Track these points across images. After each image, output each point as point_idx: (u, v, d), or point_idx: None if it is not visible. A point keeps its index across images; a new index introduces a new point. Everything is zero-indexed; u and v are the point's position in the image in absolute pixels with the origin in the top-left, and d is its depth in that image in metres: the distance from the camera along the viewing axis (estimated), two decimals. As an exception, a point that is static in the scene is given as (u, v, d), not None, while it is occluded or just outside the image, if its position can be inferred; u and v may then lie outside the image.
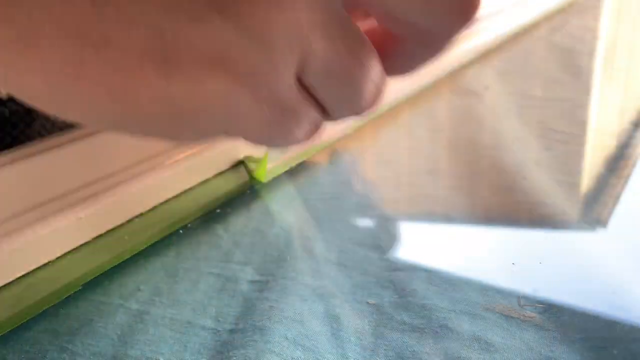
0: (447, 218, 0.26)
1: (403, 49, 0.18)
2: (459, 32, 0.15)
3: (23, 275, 0.21)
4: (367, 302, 0.20)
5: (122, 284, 0.21)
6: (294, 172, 0.31)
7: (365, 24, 0.17)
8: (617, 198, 0.27)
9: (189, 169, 0.28)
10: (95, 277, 0.21)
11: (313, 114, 0.16)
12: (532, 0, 0.86)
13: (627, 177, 0.30)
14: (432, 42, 0.16)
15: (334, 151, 0.34)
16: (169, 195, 0.27)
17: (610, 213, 0.26)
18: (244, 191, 0.29)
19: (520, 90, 0.46)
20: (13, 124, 0.37)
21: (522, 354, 0.17)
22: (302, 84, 0.15)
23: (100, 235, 0.24)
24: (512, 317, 0.19)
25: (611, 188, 0.28)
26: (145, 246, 0.23)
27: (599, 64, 0.56)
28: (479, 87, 0.47)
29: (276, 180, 0.30)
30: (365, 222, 0.26)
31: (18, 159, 0.24)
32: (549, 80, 0.50)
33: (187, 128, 0.14)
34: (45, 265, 0.22)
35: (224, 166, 0.31)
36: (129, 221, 0.25)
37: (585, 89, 0.47)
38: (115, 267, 0.22)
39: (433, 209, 0.27)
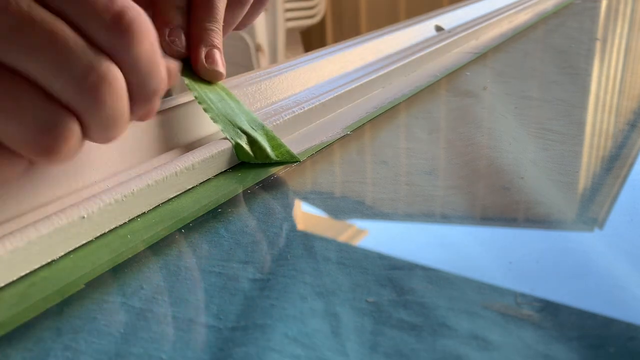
0: (445, 217, 0.26)
1: None
2: None
3: (26, 274, 0.21)
4: (366, 301, 0.20)
5: (124, 282, 0.21)
6: (293, 171, 0.31)
7: None
8: (613, 198, 0.27)
9: (190, 169, 0.28)
10: (98, 276, 0.21)
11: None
12: (529, 2, 0.87)
13: (624, 177, 0.30)
14: None
15: (332, 150, 0.34)
16: (171, 194, 0.28)
17: (606, 213, 0.26)
18: (245, 191, 0.29)
19: (517, 91, 0.47)
20: None
21: (519, 352, 0.17)
22: None
23: (103, 234, 0.24)
24: (509, 316, 0.19)
25: (608, 188, 0.28)
26: (147, 245, 0.24)
27: (596, 65, 0.56)
28: (477, 88, 0.47)
29: (276, 180, 0.30)
30: (363, 222, 0.26)
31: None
32: (546, 81, 0.50)
33: None
34: (48, 264, 0.22)
35: (225, 166, 0.31)
36: (131, 220, 0.25)
37: (582, 90, 0.47)
38: (117, 265, 0.22)
39: (431, 209, 0.27)
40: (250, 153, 0.31)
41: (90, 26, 0.20)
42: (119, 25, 0.21)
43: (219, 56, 0.31)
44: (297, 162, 0.32)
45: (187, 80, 0.31)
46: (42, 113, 0.20)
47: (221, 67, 0.31)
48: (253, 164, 0.32)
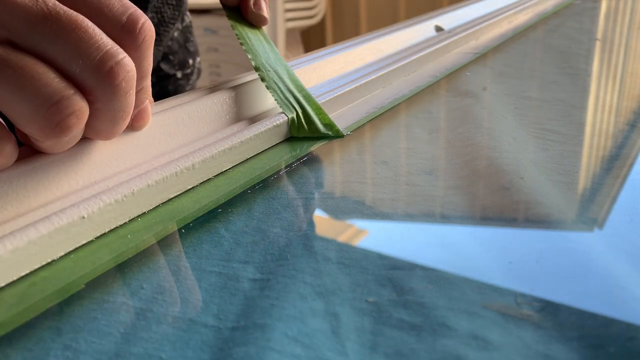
0: (445, 217, 0.26)
1: None
2: None
3: (26, 274, 0.21)
4: (366, 300, 0.20)
5: (124, 282, 0.21)
6: (293, 171, 0.31)
7: None
8: (613, 198, 0.27)
9: (190, 169, 0.28)
10: (98, 276, 0.21)
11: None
12: (529, 2, 0.87)
13: (624, 177, 0.30)
14: None
15: (333, 150, 0.34)
16: (171, 195, 0.28)
17: (606, 213, 0.26)
18: (245, 191, 0.29)
19: (517, 91, 0.47)
20: None
21: (519, 352, 0.17)
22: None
23: (103, 234, 0.24)
24: (509, 316, 0.19)
25: (607, 188, 0.28)
26: (147, 245, 0.24)
27: (595, 65, 0.56)
28: (477, 88, 0.47)
29: (276, 181, 0.30)
30: (363, 222, 0.26)
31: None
32: (546, 82, 0.50)
33: None
34: (48, 264, 0.22)
35: (226, 166, 0.31)
36: (131, 220, 0.25)
37: (582, 90, 0.47)
38: (118, 265, 0.22)
39: (431, 209, 0.27)
40: (305, 126, 0.35)
41: (107, 28, 0.23)
42: (132, 32, 0.24)
43: (264, 5, 0.39)
44: (341, 137, 0.36)
45: (232, 22, 0.37)
46: (57, 90, 0.21)
47: (265, 13, 0.39)
48: (266, 154, 0.34)
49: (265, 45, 0.38)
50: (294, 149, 0.34)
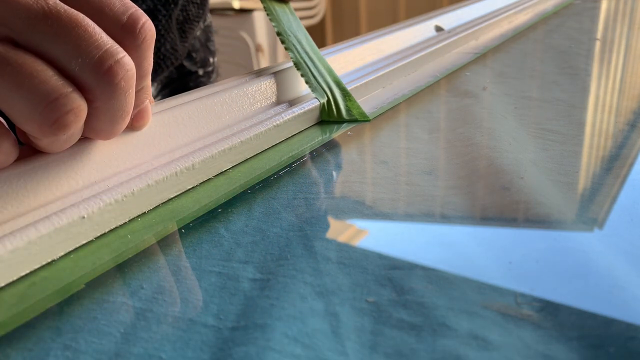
0: (445, 217, 0.26)
1: None
2: None
3: (26, 274, 0.21)
4: (366, 300, 0.20)
5: (124, 282, 0.21)
6: (293, 171, 0.31)
7: None
8: (613, 198, 0.27)
9: (190, 169, 0.28)
10: (98, 276, 0.21)
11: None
12: (529, 2, 0.87)
13: (624, 177, 0.30)
14: None
15: (332, 150, 0.34)
16: (171, 194, 0.28)
17: (606, 213, 0.26)
18: (245, 191, 0.29)
19: (517, 91, 0.47)
20: None
21: (519, 352, 0.17)
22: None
23: (103, 234, 0.24)
24: (509, 316, 0.19)
25: (608, 188, 0.28)
26: (147, 245, 0.24)
27: (595, 65, 0.56)
28: (477, 88, 0.47)
29: (275, 180, 0.30)
30: (363, 222, 0.26)
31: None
32: (546, 82, 0.50)
33: None
34: (48, 264, 0.22)
35: (226, 166, 0.31)
36: (131, 220, 0.25)
37: (582, 90, 0.47)
38: (117, 265, 0.22)
39: (431, 209, 0.27)
40: (334, 112, 0.39)
41: (107, 27, 0.23)
42: (132, 31, 0.24)
43: None
44: (367, 121, 0.39)
45: None
46: (55, 88, 0.21)
47: None
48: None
49: (290, 16, 0.42)
50: (296, 149, 0.34)
